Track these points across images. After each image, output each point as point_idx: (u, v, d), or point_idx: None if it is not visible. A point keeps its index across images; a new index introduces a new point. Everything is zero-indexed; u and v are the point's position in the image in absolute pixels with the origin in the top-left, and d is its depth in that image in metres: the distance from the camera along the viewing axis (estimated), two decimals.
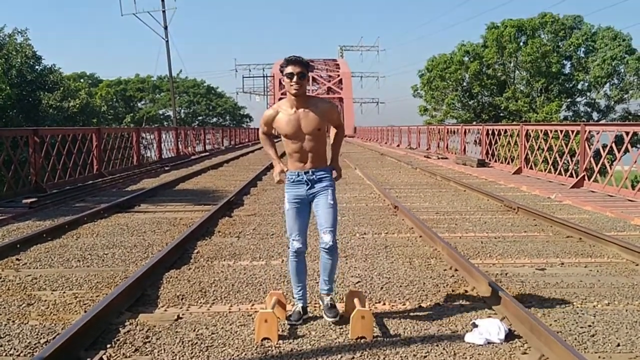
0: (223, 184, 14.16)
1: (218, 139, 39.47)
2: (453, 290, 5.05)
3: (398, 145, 36.22)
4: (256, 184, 13.89)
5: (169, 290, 5.06)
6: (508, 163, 17.81)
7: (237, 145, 41.90)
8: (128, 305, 4.57)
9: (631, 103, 44.17)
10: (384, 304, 4.71)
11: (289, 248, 4.30)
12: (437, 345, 3.82)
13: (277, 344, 3.84)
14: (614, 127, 13.76)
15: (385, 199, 10.85)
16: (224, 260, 6.19)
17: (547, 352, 3.57)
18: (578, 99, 47.15)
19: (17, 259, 6.21)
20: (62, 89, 28.30)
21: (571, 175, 13.47)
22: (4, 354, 3.71)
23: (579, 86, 46.55)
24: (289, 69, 4.05)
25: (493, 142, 19.43)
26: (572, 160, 13.77)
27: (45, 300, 4.79)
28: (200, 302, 4.74)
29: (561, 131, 14.83)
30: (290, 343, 3.87)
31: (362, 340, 3.89)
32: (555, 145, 14.74)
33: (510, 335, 3.95)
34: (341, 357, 3.63)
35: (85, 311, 4.41)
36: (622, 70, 43.81)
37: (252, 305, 4.67)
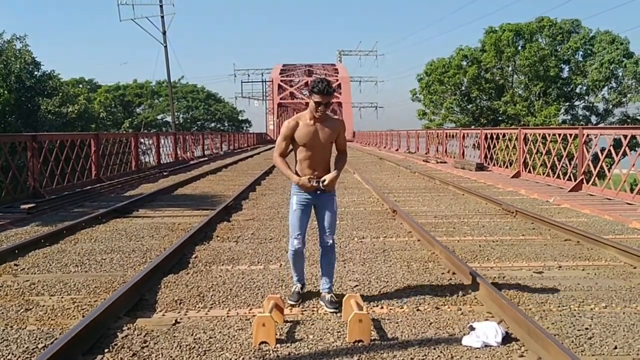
0: (222, 188, 14.17)
1: (217, 144, 39.49)
2: (450, 294, 5.06)
3: (397, 150, 36.27)
4: (255, 188, 13.89)
5: (167, 295, 5.06)
6: (506, 167, 17.84)
7: (236, 150, 41.91)
8: (126, 310, 4.57)
9: (629, 106, 44.32)
10: (382, 307, 4.71)
11: (289, 247, 4.76)
12: (435, 349, 3.83)
13: (274, 347, 3.85)
14: (612, 130, 13.78)
15: (383, 203, 10.86)
16: (222, 264, 6.20)
17: (544, 355, 3.57)
18: (576, 103, 47.26)
19: (15, 265, 6.21)
20: (60, 94, 28.34)
21: (569, 179, 13.49)
22: (2, 359, 3.71)
23: (577, 90, 46.66)
24: (318, 98, 4.46)
25: (491, 146, 19.46)
26: (570, 164, 13.78)
27: (44, 306, 4.80)
28: (198, 307, 4.74)
29: (559, 135, 14.86)
30: (288, 347, 3.87)
31: (359, 344, 3.89)
32: (554, 149, 14.77)
33: (507, 338, 3.96)
34: None
35: (83, 316, 4.41)
36: (620, 74, 43.93)
37: (250, 309, 4.67)
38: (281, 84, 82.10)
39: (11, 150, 12.28)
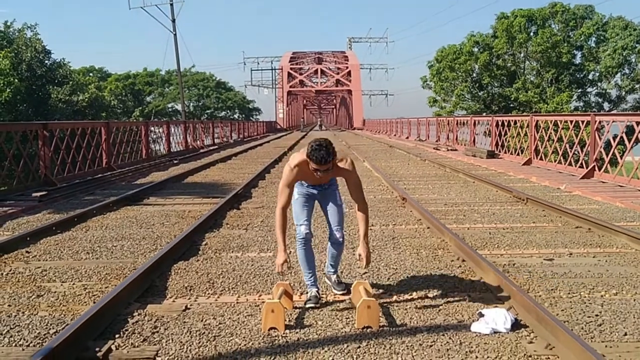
0: (231, 176, 14.20)
1: (227, 133, 39.53)
2: (460, 281, 5.05)
3: (407, 137, 36.14)
4: (264, 176, 13.92)
5: (177, 281, 5.09)
6: (518, 154, 17.73)
7: (246, 139, 41.96)
8: (137, 296, 4.61)
9: None
10: (391, 294, 4.71)
11: (296, 237, 4.55)
12: (444, 335, 3.83)
13: (283, 333, 3.86)
14: (625, 117, 13.63)
15: (393, 190, 10.84)
16: (232, 252, 6.22)
17: (553, 342, 3.56)
18: (589, 89, 46.81)
19: (27, 252, 6.27)
20: (71, 83, 28.48)
21: (581, 166, 13.40)
22: (14, 344, 3.76)
23: (590, 76, 46.18)
24: (315, 166, 4.14)
25: (503, 133, 19.34)
26: (582, 151, 13.67)
27: (55, 292, 4.84)
28: (208, 293, 4.77)
29: (571, 122, 14.73)
30: (297, 332, 3.88)
31: (368, 330, 3.90)
32: (566, 136, 14.65)
33: (516, 325, 3.95)
34: (347, 346, 3.65)
35: (94, 302, 4.44)
36: (634, 60, 43.42)
37: (260, 295, 4.69)
38: (291, 72, 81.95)
39: (22, 139, 12.36)
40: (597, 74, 45.44)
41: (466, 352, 3.57)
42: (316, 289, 4.54)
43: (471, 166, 16.23)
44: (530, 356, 3.49)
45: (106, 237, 7.05)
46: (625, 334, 3.82)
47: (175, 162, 18.70)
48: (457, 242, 6.13)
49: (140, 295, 4.66)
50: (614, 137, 12.95)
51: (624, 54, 42.56)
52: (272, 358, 3.49)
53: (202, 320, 4.13)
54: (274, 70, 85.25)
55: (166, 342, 3.75)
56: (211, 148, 27.83)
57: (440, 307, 4.38)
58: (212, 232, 7.20)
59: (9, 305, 4.51)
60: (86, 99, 28.81)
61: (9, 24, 28.22)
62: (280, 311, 3.92)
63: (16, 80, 24.97)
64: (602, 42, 44.68)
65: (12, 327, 4.04)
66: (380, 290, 4.79)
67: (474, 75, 48.07)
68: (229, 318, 4.18)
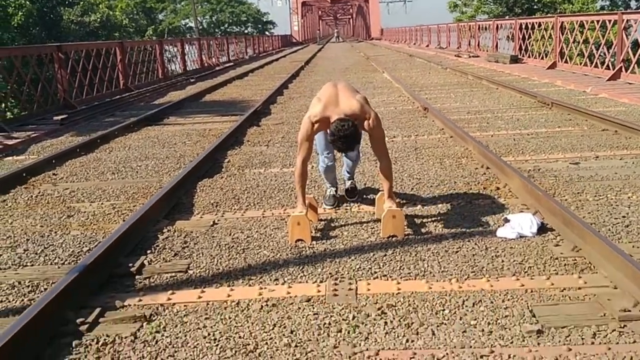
0: (249, 93, 14.07)
1: (242, 49, 38.81)
2: (484, 188, 5.03)
3: (427, 46, 35.17)
4: (282, 92, 13.76)
5: (203, 198, 5.16)
6: (542, 58, 17.19)
7: (262, 54, 41.21)
8: (164, 213, 4.69)
9: None
10: (415, 204, 4.72)
11: (319, 163, 4.69)
12: (469, 241, 3.86)
13: (310, 244, 3.92)
14: None
15: (414, 101, 10.67)
16: (255, 168, 6.25)
17: (580, 244, 3.57)
18: None
19: (53, 174, 6.36)
20: (82, 3, 27.90)
21: (608, 68, 12.99)
22: (50, 262, 3.88)
23: None
24: (335, 148, 4.02)
25: (526, 37, 18.68)
26: (608, 52, 13.21)
27: (85, 212, 4.95)
28: (234, 209, 4.83)
29: (597, 21, 14.15)
30: (323, 243, 3.94)
31: (393, 239, 3.94)
32: (592, 37, 14.11)
33: (543, 229, 3.95)
34: (373, 254, 3.70)
35: (123, 220, 4.53)
36: None
37: (285, 209, 4.74)
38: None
39: (38, 63, 12.29)
40: None
41: (492, 257, 3.60)
42: (335, 189, 4.77)
43: (494, 72, 15.84)
44: (557, 259, 3.51)
45: (130, 157, 7.11)
46: None
47: (191, 80, 18.54)
48: (481, 149, 6.06)
49: (168, 213, 4.74)
50: None
51: None
52: (300, 268, 3.56)
53: (230, 235, 4.20)
54: None
55: (197, 256, 3.84)
56: (227, 65, 27.44)
57: (465, 214, 4.39)
58: (233, 150, 7.21)
59: (41, 226, 4.63)
60: (98, 19, 28.33)
61: None
62: (306, 223, 3.96)
63: (27, 2, 24.52)
64: None
65: (46, 246, 4.16)
66: (405, 201, 4.80)
67: None
68: (256, 232, 4.24)
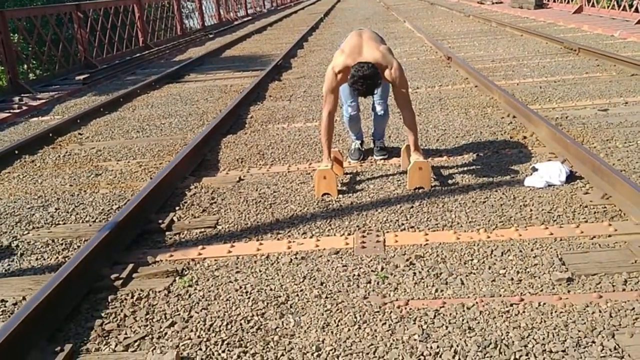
0: (269, 48, 13.91)
1: (260, 2, 38.23)
2: (511, 137, 4.97)
3: None
4: (302, 45, 13.58)
5: (228, 154, 5.18)
6: (568, 2, 16.65)
7: (280, 7, 40.56)
8: (191, 170, 4.72)
9: None
10: (441, 155, 4.69)
11: (343, 114, 4.64)
12: (496, 191, 3.83)
13: (337, 198, 3.93)
14: None
15: (437, 50, 10.47)
16: (278, 123, 6.23)
17: (610, 191, 3.52)
18: None
19: (79, 134, 6.43)
20: None
21: (636, 10, 12.55)
22: (81, 220, 3.96)
23: None
24: (355, 90, 3.85)
25: None
26: None
27: (112, 170, 5.01)
28: (260, 164, 4.85)
29: None
30: (349, 197, 3.95)
31: (420, 191, 3.93)
32: None
33: (571, 177, 3.90)
34: (400, 206, 3.70)
35: (150, 178, 4.59)
36: None
37: (310, 164, 4.74)
38: None
39: (57, 22, 12.25)
40: None
41: (520, 206, 3.57)
42: (360, 142, 4.73)
43: (518, 18, 15.42)
44: (586, 206, 3.48)
45: (153, 115, 7.14)
46: None
47: (210, 36, 18.37)
48: (506, 98, 5.95)
49: (195, 170, 4.77)
50: None
51: None
52: (328, 221, 3.59)
53: (257, 190, 4.23)
54: None
55: (225, 211, 3.88)
56: (245, 19, 27.08)
57: (492, 164, 4.35)
58: (256, 105, 7.19)
59: (71, 185, 4.71)
60: None
61: None
62: (332, 177, 3.96)
63: None
64: None
65: (76, 205, 4.24)
66: (431, 151, 4.77)
67: None
68: (283, 186, 4.26)
